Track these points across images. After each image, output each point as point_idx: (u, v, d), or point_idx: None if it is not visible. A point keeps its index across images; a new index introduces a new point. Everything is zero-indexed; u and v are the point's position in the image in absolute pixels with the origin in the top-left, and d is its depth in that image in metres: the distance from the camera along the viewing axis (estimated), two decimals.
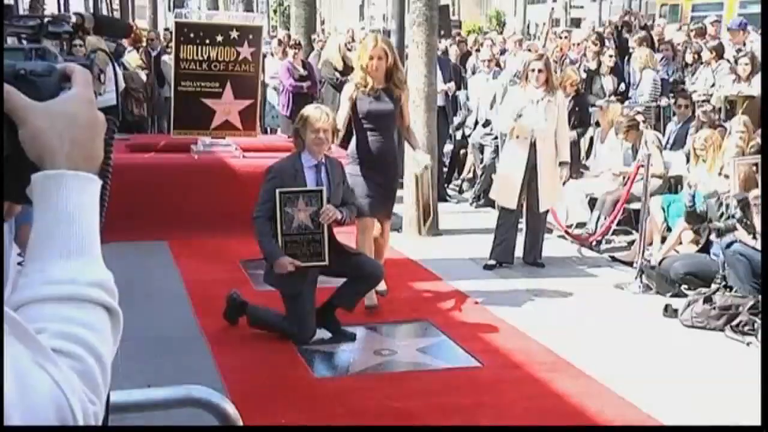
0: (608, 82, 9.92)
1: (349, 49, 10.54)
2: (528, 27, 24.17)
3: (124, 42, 11.31)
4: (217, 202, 7.35)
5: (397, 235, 7.28)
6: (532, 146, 6.50)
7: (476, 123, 9.71)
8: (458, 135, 10.51)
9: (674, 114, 9.04)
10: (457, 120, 10.47)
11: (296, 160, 4.83)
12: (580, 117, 8.76)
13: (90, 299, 0.93)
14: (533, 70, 6.51)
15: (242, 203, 6.03)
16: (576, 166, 8.10)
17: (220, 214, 7.24)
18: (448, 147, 10.76)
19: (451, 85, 9.90)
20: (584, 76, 9.74)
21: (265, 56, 10.01)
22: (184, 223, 7.24)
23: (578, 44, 10.88)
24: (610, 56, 9.99)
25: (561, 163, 6.61)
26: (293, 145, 5.05)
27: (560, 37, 11.98)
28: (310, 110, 4.86)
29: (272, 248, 4.74)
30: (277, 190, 4.71)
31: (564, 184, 6.75)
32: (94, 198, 0.97)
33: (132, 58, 10.74)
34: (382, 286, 5.44)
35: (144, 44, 12.20)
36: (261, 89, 8.85)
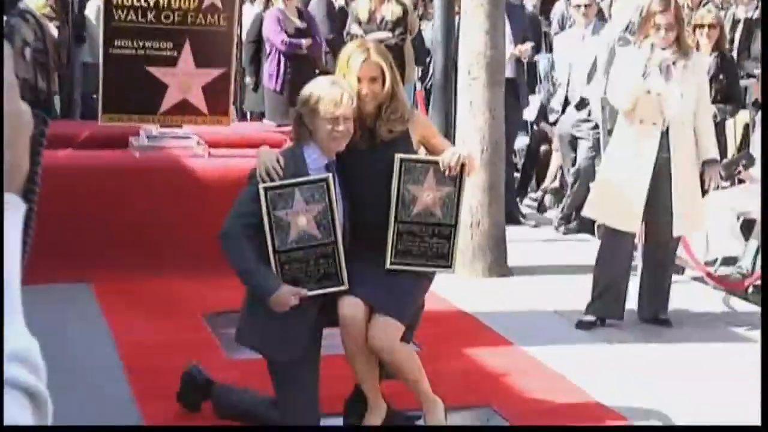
0: None
1: None
2: None
3: None
4: (168, 223, 7.40)
5: (446, 275, 7.25)
6: (663, 137, 6.46)
7: (566, 103, 9.72)
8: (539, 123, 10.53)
9: None
10: (536, 99, 10.44)
11: (297, 158, 4.78)
12: (726, 90, 8.64)
13: (5, 380, 0.94)
14: (657, 25, 6.44)
15: (207, 225, 6.00)
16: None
17: (172, 242, 7.31)
18: (523, 141, 10.73)
19: (527, 46, 9.90)
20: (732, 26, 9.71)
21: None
22: (116, 256, 7.29)
23: None
24: None
25: (705, 163, 6.58)
26: (288, 137, 5.01)
27: None
28: (322, 87, 4.75)
29: (262, 277, 4.65)
30: (261, 186, 4.63)
31: (704, 195, 6.68)
32: (16, 230, 1.01)
33: (37, 2, 10.36)
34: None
35: None
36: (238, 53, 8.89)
